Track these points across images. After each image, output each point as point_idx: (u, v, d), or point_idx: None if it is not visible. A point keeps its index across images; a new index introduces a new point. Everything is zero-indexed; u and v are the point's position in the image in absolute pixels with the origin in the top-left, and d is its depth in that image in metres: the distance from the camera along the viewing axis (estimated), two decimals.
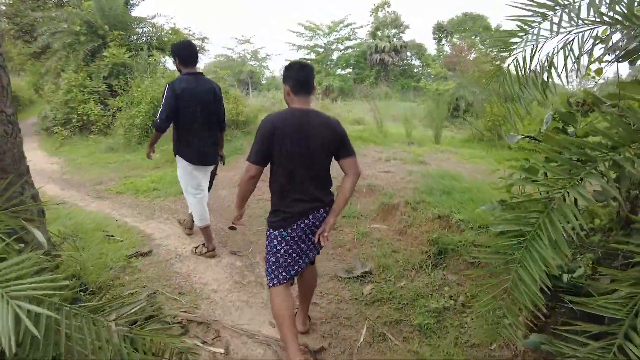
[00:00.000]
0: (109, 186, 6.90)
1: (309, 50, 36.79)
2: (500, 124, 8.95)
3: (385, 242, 4.09)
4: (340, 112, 14.11)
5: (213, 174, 4.32)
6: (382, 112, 10.81)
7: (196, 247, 4.15)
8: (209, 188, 4.30)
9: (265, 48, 63.01)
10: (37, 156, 9.97)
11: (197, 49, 3.90)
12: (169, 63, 12.88)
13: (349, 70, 37.07)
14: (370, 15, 36.67)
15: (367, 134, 9.06)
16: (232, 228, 2.87)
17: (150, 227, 4.87)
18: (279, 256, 2.44)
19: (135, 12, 13.66)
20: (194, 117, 3.67)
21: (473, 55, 26.89)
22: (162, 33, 13.05)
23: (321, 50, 36.25)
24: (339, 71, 36.20)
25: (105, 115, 10.79)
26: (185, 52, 3.71)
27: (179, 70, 3.77)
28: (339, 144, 2.41)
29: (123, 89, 10.40)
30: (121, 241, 4.39)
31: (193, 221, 4.36)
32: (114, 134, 10.29)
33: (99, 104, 11.06)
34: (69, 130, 10.91)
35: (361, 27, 37.25)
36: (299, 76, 2.38)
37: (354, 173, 2.46)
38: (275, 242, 2.44)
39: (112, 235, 4.50)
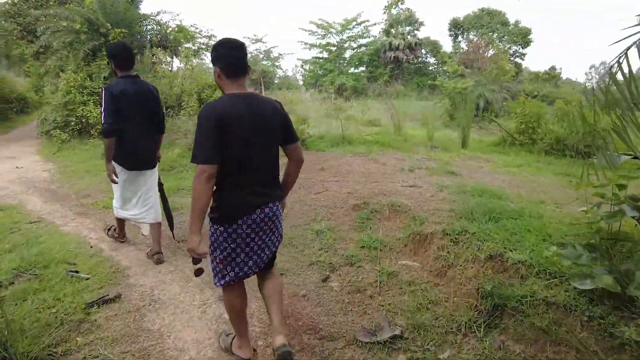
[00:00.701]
0: (96, 199, 6.00)
1: (321, 49, 35.81)
2: (533, 126, 7.84)
3: (419, 288, 3.08)
4: (354, 113, 13.09)
5: (160, 184, 4.01)
6: (399, 112, 9.74)
7: (108, 229, 4.22)
8: (165, 201, 4.09)
9: (278, 47, 62.27)
10: (30, 162, 9.17)
11: (134, 51, 3.70)
12: (176, 62, 12.02)
13: (362, 68, 36.00)
14: (384, 13, 35.49)
15: (385, 138, 8.03)
16: (198, 272, 2.34)
17: (128, 257, 3.94)
18: (227, 254, 2.17)
19: (139, 10, 12.76)
20: (131, 120, 3.50)
21: (491, 52, 25.53)
22: (167, 31, 12.15)
23: (334, 48, 35.23)
24: (352, 69, 35.14)
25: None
26: (121, 55, 3.50)
27: (115, 74, 3.57)
28: (285, 128, 2.23)
29: None
30: (87, 279, 3.46)
31: (120, 228, 4.17)
32: None
33: (99, 105, 10.22)
34: (67, 133, 10.11)
35: (374, 24, 36.20)
36: (231, 56, 2.11)
37: (299, 158, 2.36)
38: (220, 238, 2.16)
39: (77, 272, 3.57)
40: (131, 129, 3.51)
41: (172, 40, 11.97)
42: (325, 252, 3.72)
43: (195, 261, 2.21)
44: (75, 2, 11.88)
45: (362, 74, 35.29)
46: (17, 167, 8.45)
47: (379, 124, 11.44)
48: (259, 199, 2.14)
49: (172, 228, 4.17)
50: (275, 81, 39.59)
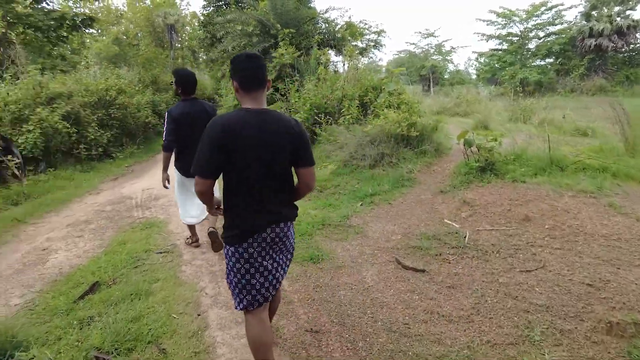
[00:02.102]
0: None
1: (500, 40, 31.27)
2: None
3: None
4: (554, 117, 9.98)
5: None
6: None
7: (186, 239, 4.46)
8: None
9: (451, 41, 57.63)
10: None
11: (196, 79, 3.95)
12: (338, 61, 10.85)
13: (549, 60, 30.14)
14: None
15: (613, 160, 5.24)
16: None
17: (233, 350, 2.63)
18: (240, 277, 2.00)
19: (313, 7, 11.95)
20: (186, 136, 3.79)
21: None
22: (335, 28, 11.03)
23: (516, 39, 30.33)
24: (537, 62, 29.70)
25: None
26: (185, 81, 3.82)
27: (177, 94, 3.90)
28: (300, 150, 1.98)
29: (282, 94, 8.69)
30: None
31: (193, 237, 4.41)
32: None
33: None
34: None
35: (570, 8, 29.85)
36: (247, 68, 1.92)
37: (308, 186, 2.08)
38: (233, 259, 2.00)
39: None
40: (187, 143, 3.80)
41: (339, 39, 10.81)
42: None
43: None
44: (251, 6, 11.66)
45: (550, 66, 29.53)
46: None
47: (590, 132, 8.29)
48: (269, 217, 1.96)
49: None
50: (446, 76, 36.32)
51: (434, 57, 35.28)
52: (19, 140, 7.26)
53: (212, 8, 14.18)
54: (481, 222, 4.00)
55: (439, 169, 5.85)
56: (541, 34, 29.58)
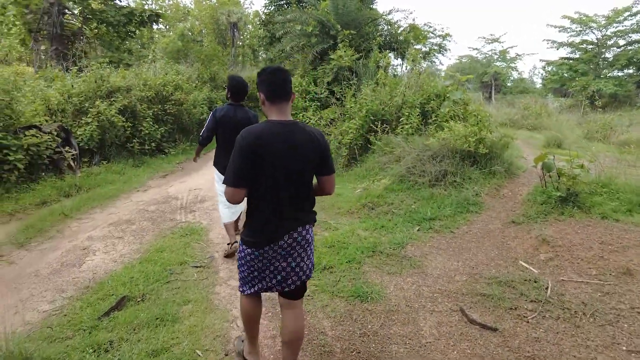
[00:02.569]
0: None
1: (572, 48, 28.71)
2: None
3: None
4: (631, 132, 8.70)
5: None
6: None
7: (225, 250, 4.19)
8: None
9: (516, 47, 54.44)
10: None
11: (247, 89, 4.06)
12: (399, 64, 10.15)
13: (629, 71, 27.29)
14: None
15: None
16: None
17: None
18: (253, 269, 2.10)
19: (375, 8, 11.32)
20: (227, 138, 3.86)
21: None
22: (398, 31, 10.34)
23: (590, 47, 27.69)
24: (614, 72, 26.98)
25: (318, 126, 8.86)
26: (237, 89, 3.96)
27: (227, 98, 4.06)
28: (322, 160, 2.04)
29: (337, 98, 8.17)
30: None
31: (231, 238, 4.12)
32: None
33: (318, 111, 9.23)
34: None
35: None
36: (273, 81, 1.98)
37: (328, 191, 2.16)
38: (248, 257, 2.08)
39: None
40: (227, 146, 3.87)
41: (401, 42, 10.12)
42: None
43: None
44: (312, 6, 11.23)
45: (629, 77, 26.76)
46: None
47: None
48: (288, 224, 1.99)
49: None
50: (508, 84, 34.18)
51: (497, 63, 33.27)
52: (78, 132, 7.31)
53: (273, 7, 13.99)
54: (566, 269, 3.26)
55: (509, 194, 5.07)
56: (622, 42, 26.87)
